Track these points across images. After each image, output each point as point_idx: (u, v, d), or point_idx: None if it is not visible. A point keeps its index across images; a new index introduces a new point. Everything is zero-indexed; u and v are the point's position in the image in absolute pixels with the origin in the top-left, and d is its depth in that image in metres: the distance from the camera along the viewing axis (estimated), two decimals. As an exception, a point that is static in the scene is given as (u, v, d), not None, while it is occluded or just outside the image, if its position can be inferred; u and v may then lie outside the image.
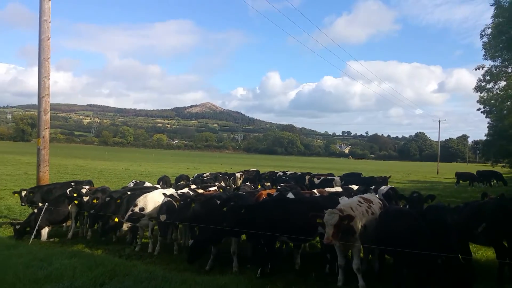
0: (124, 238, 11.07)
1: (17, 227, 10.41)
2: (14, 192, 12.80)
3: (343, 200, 8.78)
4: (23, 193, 12.08)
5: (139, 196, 10.32)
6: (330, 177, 19.82)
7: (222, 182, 19.50)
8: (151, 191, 10.58)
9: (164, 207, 9.54)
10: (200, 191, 11.49)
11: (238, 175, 22.93)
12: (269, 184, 16.44)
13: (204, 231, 8.41)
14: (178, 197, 9.98)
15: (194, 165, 65.73)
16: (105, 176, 35.63)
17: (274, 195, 10.32)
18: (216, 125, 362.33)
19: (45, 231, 10.74)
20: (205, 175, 20.09)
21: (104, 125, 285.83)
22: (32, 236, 10.30)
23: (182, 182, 15.24)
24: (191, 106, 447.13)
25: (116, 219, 9.50)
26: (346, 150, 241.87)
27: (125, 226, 9.52)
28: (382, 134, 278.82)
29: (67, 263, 7.84)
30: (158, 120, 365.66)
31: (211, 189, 12.24)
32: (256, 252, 8.57)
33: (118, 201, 10.61)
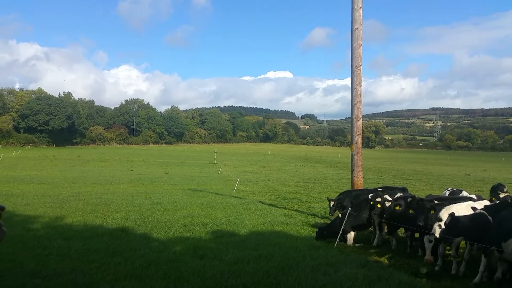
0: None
1: (318, 230, 10.97)
2: (327, 198, 13.65)
3: None
4: (331, 203, 12.66)
5: (442, 208, 8.83)
6: None
7: None
8: (457, 203, 8.90)
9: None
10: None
11: None
12: None
13: None
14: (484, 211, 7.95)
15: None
16: (439, 182, 33.93)
17: None
18: None
19: (350, 236, 10.81)
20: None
21: (448, 128, 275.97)
22: (337, 240, 10.55)
23: (507, 195, 12.17)
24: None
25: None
26: None
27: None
28: None
29: (352, 273, 7.48)
30: (511, 119, 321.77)
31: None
32: None
33: (433, 212, 9.43)
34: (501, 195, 11.71)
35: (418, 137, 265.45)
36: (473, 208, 8.36)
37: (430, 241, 8.11)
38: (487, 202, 9.25)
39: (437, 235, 8.10)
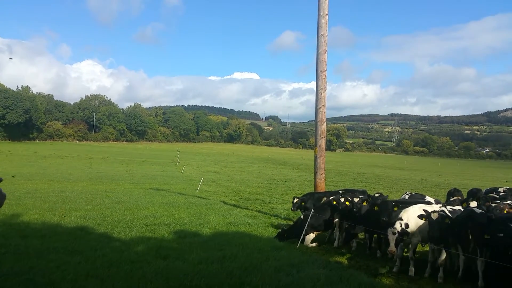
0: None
1: (280, 231, 11.29)
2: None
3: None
4: (295, 200, 12.91)
5: (400, 210, 9.27)
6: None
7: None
8: (411, 206, 9.35)
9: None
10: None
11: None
12: None
13: None
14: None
15: (508, 178, 56.81)
16: (397, 186, 35.04)
17: None
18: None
19: (309, 237, 11.05)
20: (501, 190, 16.41)
21: (406, 134, 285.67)
22: (299, 241, 10.74)
23: (456, 198, 12.78)
24: (506, 110, 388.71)
25: None
26: None
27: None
28: None
29: (314, 274, 7.65)
30: (466, 127, 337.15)
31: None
32: None
33: (396, 208, 9.77)
34: (452, 199, 12.38)
35: (377, 142, 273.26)
36: (425, 211, 8.80)
37: (394, 233, 8.49)
38: (436, 207, 9.66)
39: (399, 230, 8.50)
